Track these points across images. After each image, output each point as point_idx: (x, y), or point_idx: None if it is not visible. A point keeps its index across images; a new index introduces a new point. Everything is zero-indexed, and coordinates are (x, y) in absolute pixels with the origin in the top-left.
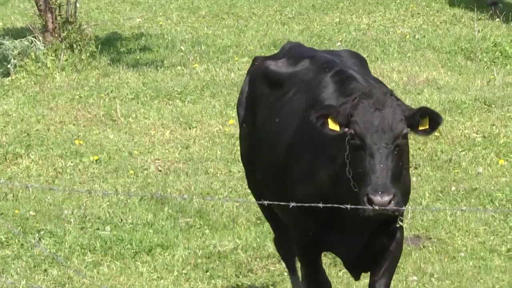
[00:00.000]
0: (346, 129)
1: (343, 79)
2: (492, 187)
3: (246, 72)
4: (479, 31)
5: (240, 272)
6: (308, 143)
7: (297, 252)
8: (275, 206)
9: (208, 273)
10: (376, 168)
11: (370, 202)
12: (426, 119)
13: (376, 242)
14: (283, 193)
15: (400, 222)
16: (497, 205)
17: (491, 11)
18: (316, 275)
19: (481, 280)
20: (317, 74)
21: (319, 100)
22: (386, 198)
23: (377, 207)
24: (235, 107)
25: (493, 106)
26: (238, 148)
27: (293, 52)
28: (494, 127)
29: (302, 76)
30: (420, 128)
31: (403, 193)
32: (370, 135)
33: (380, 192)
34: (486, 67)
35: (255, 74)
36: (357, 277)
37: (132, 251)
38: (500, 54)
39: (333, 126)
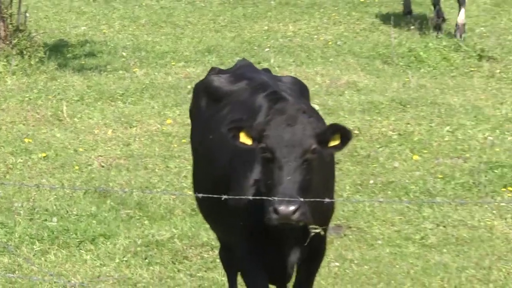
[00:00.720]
0: (259, 144)
1: (274, 99)
2: (407, 180)
3: (182, 76)
4: (395, 38)
5: (176, 259)
6: (241, 161)
7: (239, 266)
8: (214, 227)
9: (147, 260)
10: (283, 180)
11: (276, 211)
12: (338, 135)
13: (302, 254)
14: (219, 210)
15: (314, 232)
16: (412, 196)
17: (406, 20)
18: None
19: (397, 266)
20: (251, 94)
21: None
22: (291, 208)
23: (277, 217)
24: (173, 107)
25: (408, 106)
26: (175, 145)
27: (239, 71)
28: (409, 125)
29: (238, 96)
30: (332, 144)
31: (323, 211)
32: (280, 149)
33: (285, 202)
34: (401, 71)
35: (198, 86)
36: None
37: (77, 240)
38: (414, 58)
39: (244, 139)
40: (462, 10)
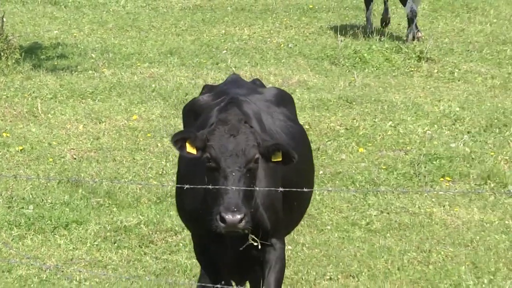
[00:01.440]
0: (203, 153)
1: (224, 107)
2: (353, 171)
3: (147, 76)
4: (341, 40)
5: (143, 243)
6: (195, 169)
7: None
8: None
9: (116, 244)
10: (228, 190)
11: (223, 220)
12: (280, 153)
13: (249, 255)
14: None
15: (253, 242)
16: (358, 186)
17: (351, 24)
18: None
19: (345, 249)
20: (212, 108)
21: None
22: (238, 217)
23: (224, 225)
24: (138, 104)
25: (354, 103)
26: (141, 139)
27: (224, 87)
28: (354, 121)
29: (208, 111)
30: (273, 159)
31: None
32: (224, 158)
33: (231, 211)
34: (347, 71)
35: (186, 107)
36: (240, 284)
37: (52, 226)
38: (359, 60)
39: (190, 149)
40: (414, 22)
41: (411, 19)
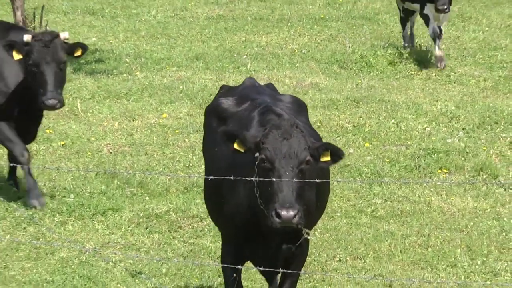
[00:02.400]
0: (257, 154)
1: (266, 113)
2: (360, 164)
3: (175, 78)
4: (349, 47)
5: (172, 229)
6: (234, 170)
7: (221, 261)
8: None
9: (147, 229)
10: (283, 188)
11: (278, 216)
12: (328, 152)
13: (287, 250)
14: (217, 208)
15: (306, 235)
16: (364, 177)
17: (359, 32)
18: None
19: (353, 234)
20: (250, 112)
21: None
22: (292, 213)
23: (280, 220)
24: (168, 104)
25: (360, 103)
26: (170, 135)
27: (244, 91)
28: (361, 118)
29: (240, 115)
30: (322, 159)
31: (316, 213)
32: (279, 160)
33: (286, 208)
34: (355, 74)
35: (210, 107)
36: (271, 281)
37: (90, 213)
38: (365, 64)
39: (238, 147)
40: (438, 42)
41: (434, 40)
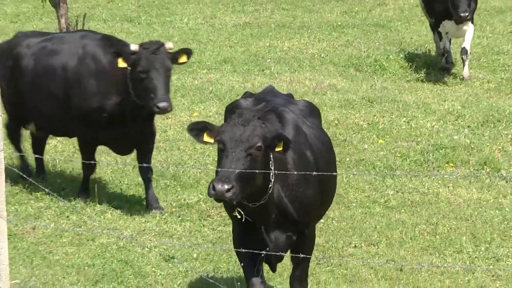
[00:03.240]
0: (218, 138)
1: (268, 111)
2: (374, 158)
3: (206, 80)
4: (364, 51)
5: (202, 217)
6: None
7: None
8: None
9: (180, 218)
10: (225, 164)
11: (213, 188)
12: (281, 143)
13: (287, 238)
14: None
15: (238, 215)
16: (377, 170)
17: (373, 38)
18: (246, 273)
19: (367, 222)
20: (261, 110)
21: None
22: (226, 187)
23: (214, 192)
24: (198, 103)
25: (374, 102)
26: None
27: (262, 95)
28: (375, 117)
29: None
30: (277, 149)
31: (303, 204)
32: (230, 141)
33: (221, 181)
34: (369, 76)
35: (229, 106)
36: (273, 269)
37: (128, 203)
38: (379, 67)
39: (207, 139)
40: (466, 64)
41: (442, 55)
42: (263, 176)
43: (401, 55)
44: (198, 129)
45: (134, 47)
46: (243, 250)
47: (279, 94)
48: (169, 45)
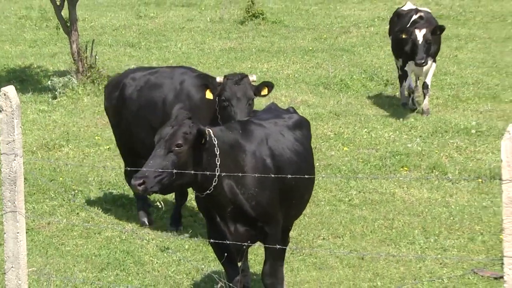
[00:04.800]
0: None
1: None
2: (340, 163)
3: None
4: (332, 72)
5: (192, 214)
6: None
7: None
8: None
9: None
10: (147, 162)
11: (131, 182)
12: (202, 136)
13: (247, 232)
14: None
15: (159, 206)
16: (343, 173)
17: (339, 61)
18: (221, 260)
19: (334, 218)
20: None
21: None
22: (138, 182)
23: (132, 185)
24: None
25: (340, 116)
26: None
27: (259, 112)
28: (340, 128)
29: None
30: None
31: (260, 204)
32: (158, 141)
33: (137, 177)
34: (336, 93)
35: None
36: (236, 260)
37: (129, 202)
38: (344, 85)
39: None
40: (427, 97)
41: (408, 95)
42: (199, 169)
43: (363, 75)
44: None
45: (219, 78)
46: (212, 241)
47: (277, 110)
48: (253, 77)
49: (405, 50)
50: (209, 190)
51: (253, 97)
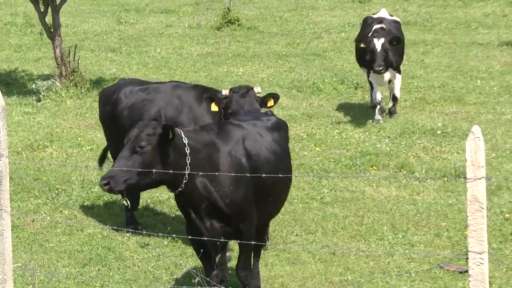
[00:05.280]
0: None
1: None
2: (312, 163)
3: None
4: (304, 76)
5: (171, 211)
6: None
7: None
8: None
9: (153, 212)
10: (114, 163)
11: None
12: (169, 132)
13: (221, 228)
14: None
15: (124, 203)
16: (315, 172)
17: (311, 65)
18: (198, 256)
19: (306, 215)
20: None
21: None
22: (103, 182)
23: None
24: None
25: (312, 117)
26: None
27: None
28: (313, 129)
29: None
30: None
31: (233, 200)
32: (126, 143)
33: (104, 177)
34: (308, 96)
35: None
36: (212, 255)
37: (110, 200)
38: (316, 89)
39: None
40: (396, 104)
41: (373, 107)
42: (167, 168)
43: (334, 79)
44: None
45: (225, 92)
46: (189, 237)
47: (255, 112)
48: (257, 89)
49: (366, 60)
50: (181, 188)
51: (259, 109)
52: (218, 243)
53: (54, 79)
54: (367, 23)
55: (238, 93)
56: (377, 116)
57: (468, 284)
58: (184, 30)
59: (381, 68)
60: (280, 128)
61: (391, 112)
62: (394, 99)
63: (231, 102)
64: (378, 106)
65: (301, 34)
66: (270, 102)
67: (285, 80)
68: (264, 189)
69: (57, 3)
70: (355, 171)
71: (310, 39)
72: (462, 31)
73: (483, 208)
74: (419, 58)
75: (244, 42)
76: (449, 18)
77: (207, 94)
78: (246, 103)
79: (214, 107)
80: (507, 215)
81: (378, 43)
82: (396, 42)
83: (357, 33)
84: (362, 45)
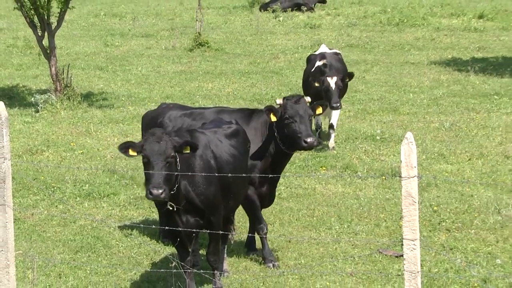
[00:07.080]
0: (140, 154)
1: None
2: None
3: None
4: (264, 90)
5: (151, 206)
6: None
7: None
8: None
9: (136, 206)
10: (154, 174)
11: (151, 193)
12: (188, 147)
13: (196, 222)
14: None
15: (170, 207)
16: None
17: (270, 81)
18: (174, 245)
19: (266, 209)
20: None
21: None
22: (159, 191)
23: (152, 196)
24: None
25: None
26: None
27: (209, 122)
28: None
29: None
30: (185, 151)
31: (206, 196)
32: (152, 155)
33: (156, 187)
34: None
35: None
36: (186, 245)
37: (99, 196)
38: (274, 101)
39: (132, 153)
40: (332, 137)
41: (316, 130)
42: (176, 176)
43: (290, 93)
44: (125, 147)
45: (279, 101)
46: (166, 228)
47: (218, 121)
48: (307, 98)
49: (315, 95)
50: (173, 191)
51: (312, 114)
52: (193, 234)
53: (50, 93)
54: (310, 61)
55: (291, 100)
56: (319, 139)
57: (403, 266)
58: (161, 51)
59: (338, 105)
60: (238, 134)
61: (330, 149)
62: (332, 127)
63: (286, 108)
64: (320, 130)
65: (261, 55)
66: (319, 110)
67: (248, 94)
68: (227, 186)
69: (53, 28)
70: (307, 171)
71: (268, 59)
72: (397, 53)
73: (415, 202)
74: (361, 75)
75: (213, 62)
76: (386, 41)
77: (266, 106)
78: (301, 109)
79: (273, 118)
80: (435, 208)
81: (332, 81)
82: (349, 78)
83: (309, 53)
84: (316, 85)
